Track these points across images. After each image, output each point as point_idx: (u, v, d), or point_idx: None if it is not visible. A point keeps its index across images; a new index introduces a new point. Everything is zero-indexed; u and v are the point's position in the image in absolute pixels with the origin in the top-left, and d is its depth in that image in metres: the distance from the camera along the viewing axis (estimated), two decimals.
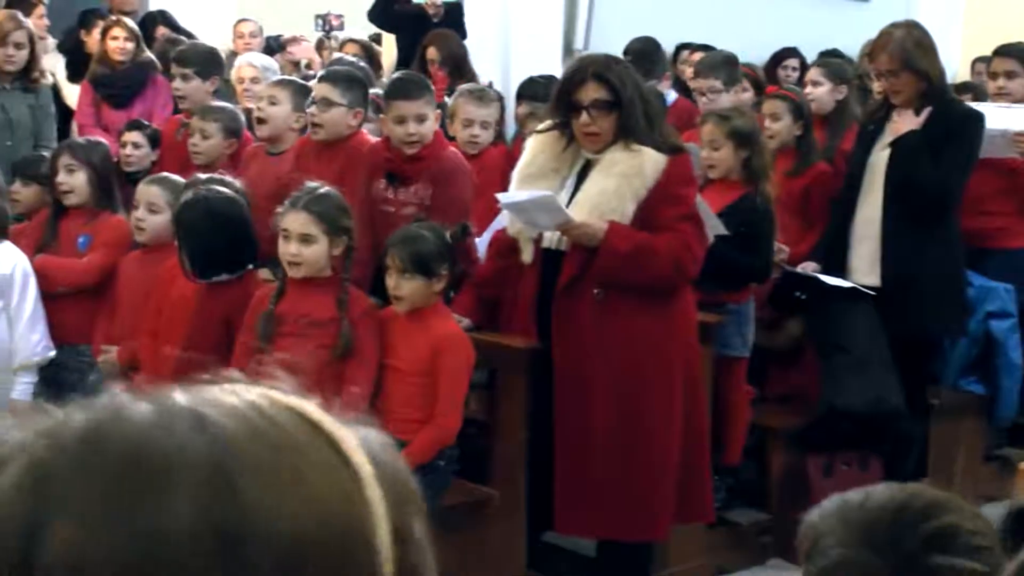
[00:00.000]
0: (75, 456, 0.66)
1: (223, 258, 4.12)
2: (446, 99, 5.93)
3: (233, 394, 0.71)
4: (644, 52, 6.80)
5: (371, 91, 5.67)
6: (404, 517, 0.71)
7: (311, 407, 0.72)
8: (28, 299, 4.43)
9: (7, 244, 4.46)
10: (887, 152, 4.99)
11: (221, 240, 4.11)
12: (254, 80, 6.45)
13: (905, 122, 4.94)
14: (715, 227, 4.45)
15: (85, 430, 0.67)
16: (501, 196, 4.10)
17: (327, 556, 0.66)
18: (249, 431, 0.68)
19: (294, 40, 8.41)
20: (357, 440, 0.72)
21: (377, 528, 0.69)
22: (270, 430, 0.69)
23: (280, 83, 5.43)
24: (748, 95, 6.34)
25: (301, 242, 3.89)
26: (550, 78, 5.79)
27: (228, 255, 4.13)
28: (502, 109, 5.80)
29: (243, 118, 5.37)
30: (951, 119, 4.94)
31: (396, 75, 5.34)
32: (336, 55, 7.03)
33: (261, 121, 5.25)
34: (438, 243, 3.96)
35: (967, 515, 1.44)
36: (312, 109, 4.83)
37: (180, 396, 0.70)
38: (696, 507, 4.19)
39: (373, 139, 4.94)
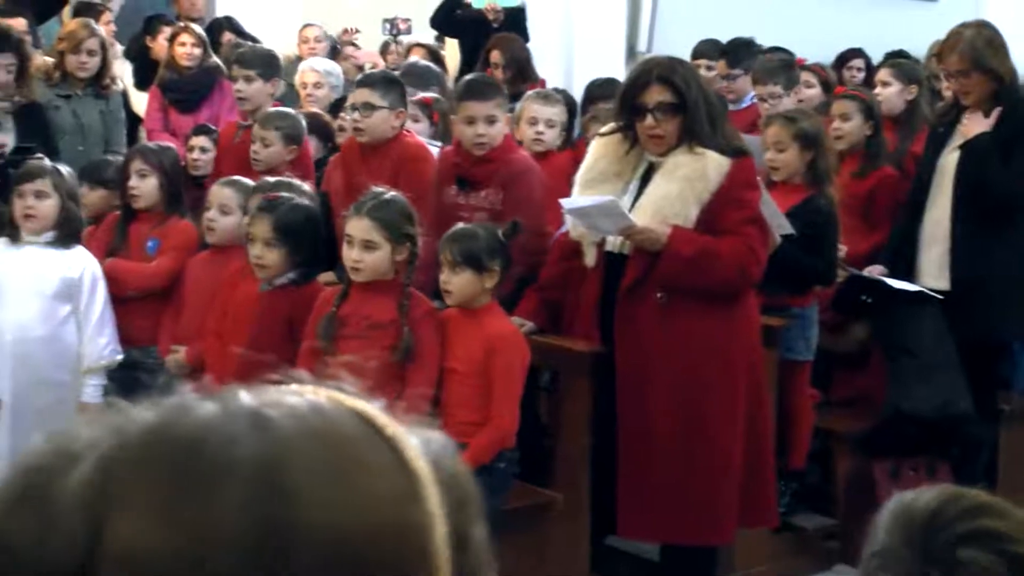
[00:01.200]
0: (137, 452, 0.68)
1: (314, 259, 4.20)
2: None
3: (297, 395, 0.72)
4: (741, 45, 6.82)
5: (430, 94, 5.70)
6: (462, 522, 0.71)
7: (373, 409, 0.72)
8: (96, 302, 4.50)
9: (79, 248, 4.54)
10: (957, 154, 4.93)
11: (318, 242, 4.20)
12: (317, 85, 6.50)
13: (975, 124, 4.87)
14: (782, 226, 4.41)
15: (149, 427, 0.69)
16: (564, 202, 4.10)
17: (378, 557, 0.67)
18: (306, 430, 0.69)
19: (345, 32, 8.42)
20: (417, 443, 0.72)
21: (433, 531, 0.69)
22: (328, 430, 0.69)
23: None
24: (814, 91, 6.28)
25: (363, 248, 3.90)
26: (614, 81, 5.78)
27: (316, 257, 4.22)
28: (571, 113, 5.80)
29: (304, 124, 5.40)
30: (1022, 120, 4.86)
31: (468, 76, 5.36)
32: (413, 59, 7.04)
33: (341, 129, 5.32)
34: (489, 239, 3.97)
35: (1012, 522, 1.44)
36: (355, 115, 4.86)
37: (245, 396, 0.71)
38: (760, 511, 4.16)
39: (422, 140, 4.97)
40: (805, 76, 6.30)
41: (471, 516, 0.73)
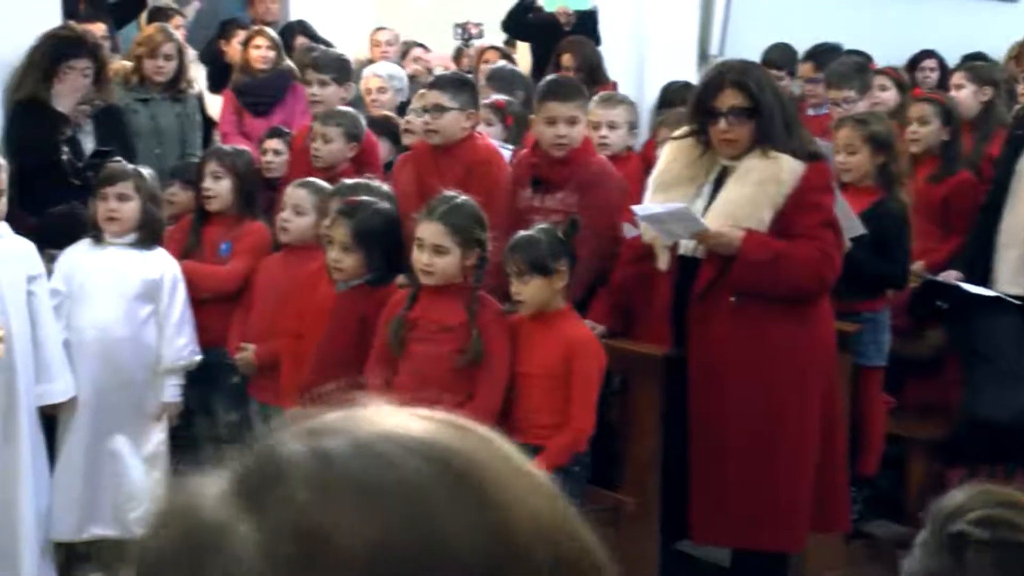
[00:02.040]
0: (318, 484, 0.65)
1: (391, 263, 4.23)
2: None
3: (401, 417, 0.70)
4: (827, 50, 6.80)
5: (503, 97, 5.71)
6: None
7: (452, 416, 0.73)
8: (176, 304, 4.56)
9: (160, 250, 4.61)
10: None
11: (395, 246, 4.22)
12: (381, 90, 6.54)
13: None
14: (854, 227, 4.38)
15: (311, 484, 0.66)
16: (637, 208, 4.10)
17: (573, 544, 0.69)
18: (443, 450, 0.68)
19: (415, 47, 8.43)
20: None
21: (581, 526, 0.71)
22: (453, 446, 0.69)
23: None
24: (888, 94, 6.21)
25: (434, 252, 3.93)
26: (690, 84, 5.77)
27: (393, 260, 4.25)
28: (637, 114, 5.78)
29: (364, 123, 5.45)
30: None
31: (550, 77, 5.37)
32: (500, 63, 7.06)
33: (405, 132, 5.35)
34: (551, 241, 3.97)
35: None
36: (426, 117, 4.88)
37: (362, 430, 0.69)
38: (832, 516, 4.13)
39: (494, 143, 4.99)
40: (880, 80, 6.22)
41: None
